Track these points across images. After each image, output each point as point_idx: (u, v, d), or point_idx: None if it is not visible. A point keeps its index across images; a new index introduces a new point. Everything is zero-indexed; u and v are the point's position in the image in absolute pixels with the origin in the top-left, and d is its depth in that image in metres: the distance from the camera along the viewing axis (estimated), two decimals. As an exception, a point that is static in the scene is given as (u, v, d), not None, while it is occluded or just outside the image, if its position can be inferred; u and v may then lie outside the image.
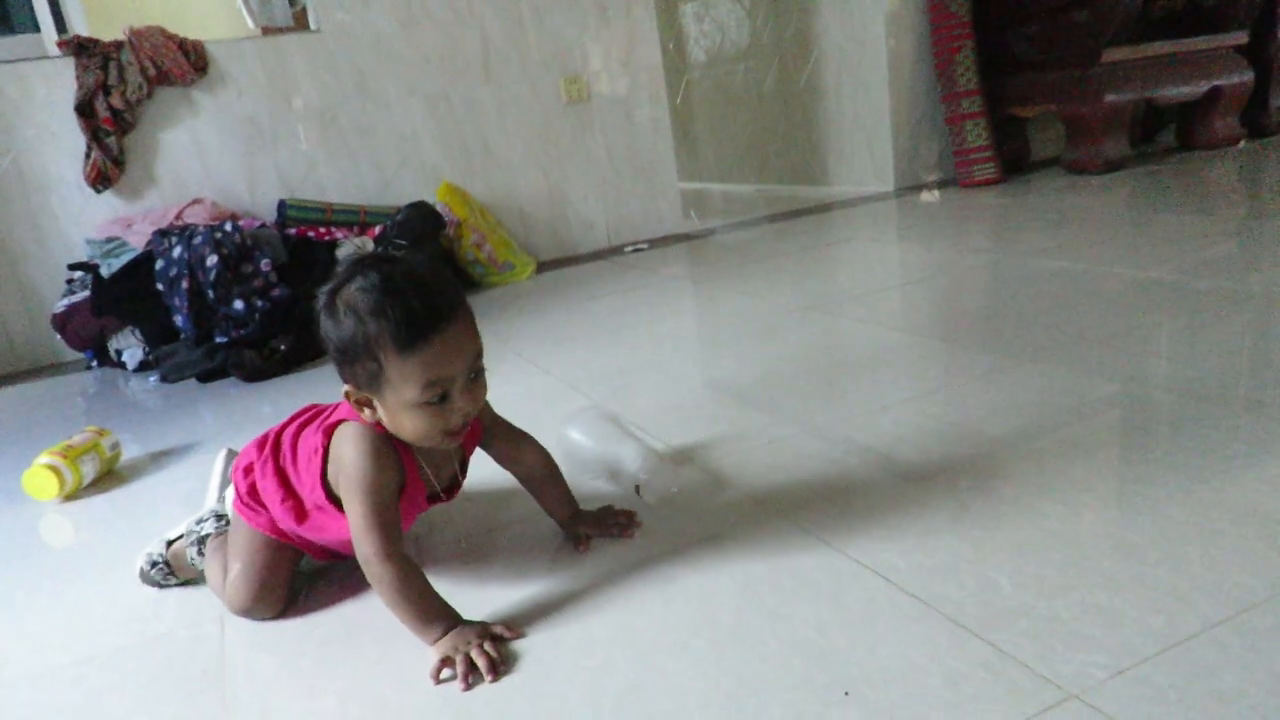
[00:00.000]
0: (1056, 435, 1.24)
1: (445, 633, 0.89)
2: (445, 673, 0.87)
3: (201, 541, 1.13)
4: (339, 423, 0.97)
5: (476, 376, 0.91)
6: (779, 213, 3.75)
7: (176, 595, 1.16)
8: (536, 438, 1.13)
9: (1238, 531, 0.93)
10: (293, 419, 1.07)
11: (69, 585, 1.26)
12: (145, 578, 1.16)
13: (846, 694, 0.77)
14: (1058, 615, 0.84)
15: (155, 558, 1.16)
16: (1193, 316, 1.68)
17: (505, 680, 0.86)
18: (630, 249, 3.34)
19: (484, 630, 0.90)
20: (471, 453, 1.08)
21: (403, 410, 0.88)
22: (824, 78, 4.04)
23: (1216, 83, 3.54)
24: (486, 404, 1.03)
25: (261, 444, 1.05)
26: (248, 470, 1.05)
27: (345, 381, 0.93)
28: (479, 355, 0.91)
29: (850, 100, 3.92)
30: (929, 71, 3.69)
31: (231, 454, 1.36)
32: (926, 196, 3.58)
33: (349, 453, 0.92)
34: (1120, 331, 1.64)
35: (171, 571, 1.15)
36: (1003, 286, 2.15)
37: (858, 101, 3.88)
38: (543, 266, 3.23)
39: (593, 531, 1.09)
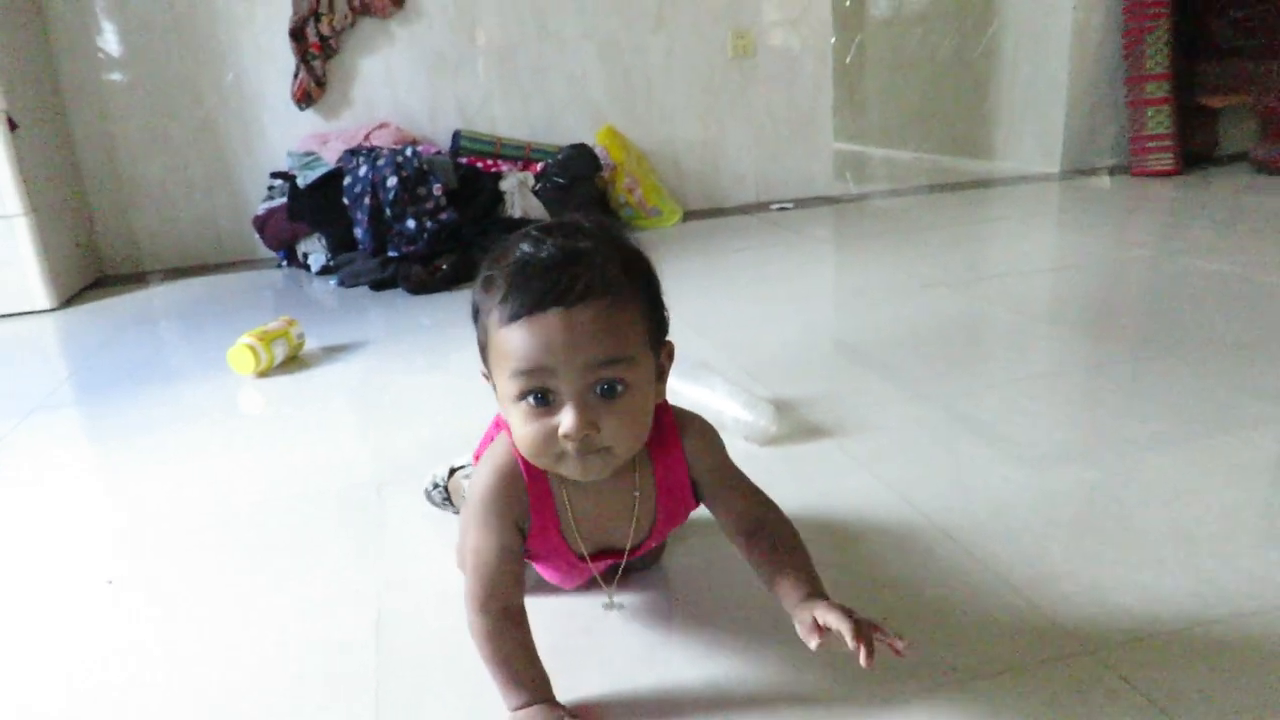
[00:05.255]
0: (1149, 428, 1.28)
1: (521, 707, 0.76)
2: None
3: None
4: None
5: (609, 393, 0.71)
6: (935, 184, 3.70)
7: (347, 459, 1.39)
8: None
9: (1307, 541, 0.97)
10: None
11: (259, 447, 1.52)
12: (428, 496, 1.19)
13: (884, 619, 0.88)
14: (1100, 584, 0.91)
15: (438, 480, 1.16)
16: (1342, 334, 1.63)
17: None
18: (776, 206, 3.40)
19: None
20: (680, 518, 0.86)
21: (506, 402, 0.75)
22: (1002, 46, 3.90)
23: None
24: (713, 448, 0.85)
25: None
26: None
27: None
28: (606, 363, 0.70)
29: (1027, 73, 3.78)
30: (1116, 49, 3.50)
31: None
32: (1094, 182, 3.44)
33: (478, 473, 0.82)
34: (1266, 340, 1.61)
35: (449, 498, 1.16)
36: (1152, 283, 2.10)
37: (1035, 75, 3.73)
38: (689, 215, 3.33)
39: (834, 623, 0.73)
